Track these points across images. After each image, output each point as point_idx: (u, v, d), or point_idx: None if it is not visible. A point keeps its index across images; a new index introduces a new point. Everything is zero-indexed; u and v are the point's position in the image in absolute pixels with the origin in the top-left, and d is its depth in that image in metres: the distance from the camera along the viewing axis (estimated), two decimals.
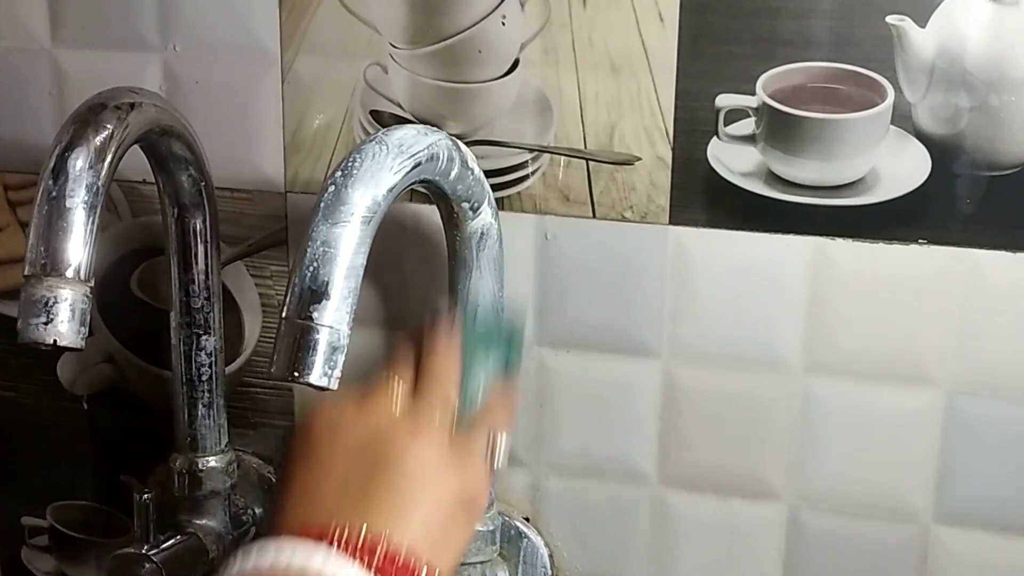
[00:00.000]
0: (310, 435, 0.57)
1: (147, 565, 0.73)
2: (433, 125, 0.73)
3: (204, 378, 0.77)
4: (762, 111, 0.69)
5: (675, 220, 0.72)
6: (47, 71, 0.81)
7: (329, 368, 0.53)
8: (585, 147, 0.73)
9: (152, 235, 0.81)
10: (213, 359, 0.77)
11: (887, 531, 0.73)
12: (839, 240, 0.70)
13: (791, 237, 0.70)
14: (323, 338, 0.52)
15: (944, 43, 0.65)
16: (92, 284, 0.57)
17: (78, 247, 0.56)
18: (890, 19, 0.66)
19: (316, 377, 0.52)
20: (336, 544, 0.50)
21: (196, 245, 0.74)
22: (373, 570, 0.50)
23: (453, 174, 0.62)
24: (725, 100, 0.69)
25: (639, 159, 0.72)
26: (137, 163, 0.71)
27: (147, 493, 0.74)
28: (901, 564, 0.73)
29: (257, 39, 0.77)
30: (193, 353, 0.76)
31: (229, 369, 0.81)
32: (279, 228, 0.80)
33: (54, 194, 0.57)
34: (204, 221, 0.74)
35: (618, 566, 0.78)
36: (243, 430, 0.83)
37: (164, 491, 0.79)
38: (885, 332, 0.70)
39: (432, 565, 0.52)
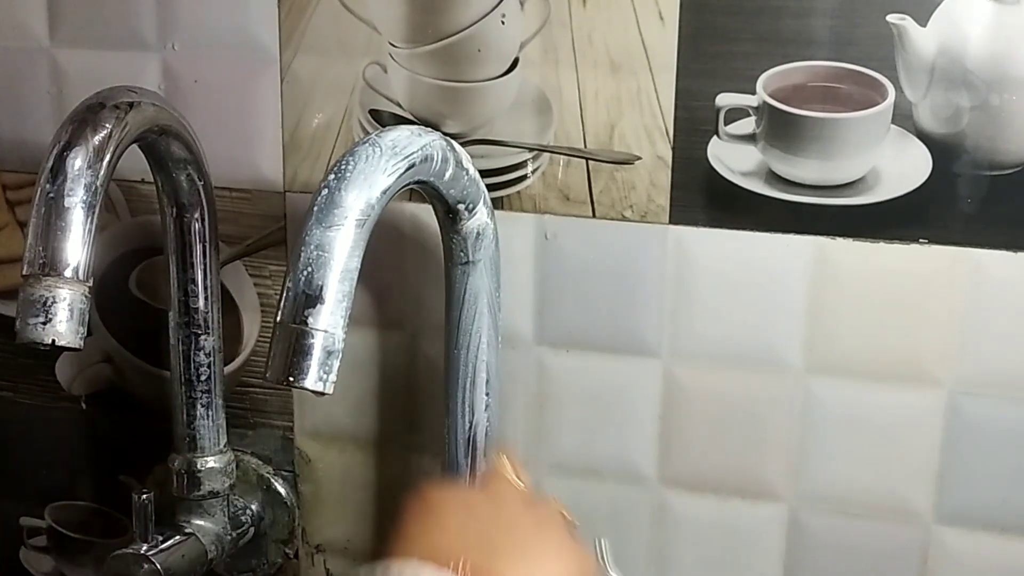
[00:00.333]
0: (435, 505, 0.59)
1: (146, 565, 0.73)
2: (432, 124, 0.73)
3: (203, 378, 0.77)
4: (762, 110, 0.69)
5: (675, 220, 0.72)
6: (46, 70, 0.81)
7: (324, 372, 0.53)
8: (585, 146, 0.72)
9: (151, 235, 0.81)
10: (212, 359, 0.77)
11: (888, 531, 0.73)
12: (840, 240, 0.69)
13: (791, 237, 0.70)
14: (318, 343, 0.52)
15: (945, 42, 0.65)
16: (91, 284, 0.57)
17: (76, 247, 0.56)
18: (891, 18, 0.65)
19: (311, 382, 0.52)
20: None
21: (195, 245, 0.74)
22: None
23: (448, 175, 0.62)
24: (725, 99, 0.69)
25: (639, 158, 0.71)
26: (136, 163, 0.71)
27: (146, 493, 0.74)
28: (902, 564, 0.73)
29: (256, 38, 0.77)
30: (192, 353, 0.76)
31: (228, 369, 0.81)
32: (278, 228, 0.79)
33: (52, 194, 0.56)
34: (203, 221, 0.74)
35: (618, 566, 0.78)
36: (242, 430, 0.83)
37: (163, 491, 0.79)
38: (886, 332, 0.70)
39: None
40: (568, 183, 0.73)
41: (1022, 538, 0.71)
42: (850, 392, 0.71)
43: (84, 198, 0.57)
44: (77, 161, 0.57)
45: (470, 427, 0.71)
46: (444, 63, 0.73)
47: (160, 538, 0.75)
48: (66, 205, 0.56)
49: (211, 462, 0.78)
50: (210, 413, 0.78)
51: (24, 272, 0.56)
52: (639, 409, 0.75)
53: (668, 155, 0.71)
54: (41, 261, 0.55)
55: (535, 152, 0.73)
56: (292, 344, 0.52)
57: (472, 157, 0.66)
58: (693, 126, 0.70)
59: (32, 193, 0.57)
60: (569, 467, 0.77)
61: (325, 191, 0.54)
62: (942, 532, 0.72)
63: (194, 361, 0.76)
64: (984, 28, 0.65)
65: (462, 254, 0.67)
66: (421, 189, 0.63)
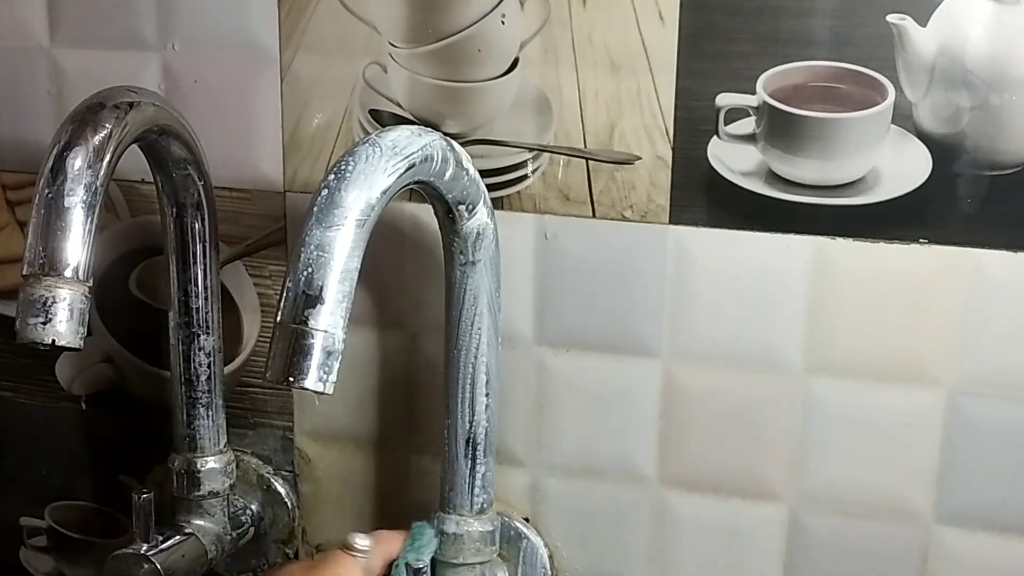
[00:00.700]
0: None
1: (145, 565, 0.73)
2: (432, 124, 0.73)
3: (203, 378, 0.77)
4: (762, 110, 0.69)
5: (675, 220, 0.72)
6: (46, 70, 0.81)
7: (324, 373, 0.53)
8: (585, 146, 0.72)
9: (151, 235, 0.81)
10: (212, 359, 0.77)
11: (888, 531, 0.73)
12: (840, 240, 0.69)
13: (791, 237, 0.70)
14: (318, 343, 0.52)
15: (945, 42, 0.65)
16: (91, 284, 0.57)
17: (76, 247, 0.56)
18: (891, 18, 0.65)
19: (312, 382, 0.52)
20: None
21: (195, 245, 0.74)
22: None
23: (448, 175, 0.62)
24: (725, 99, 0.69)
25: (639, 158, 0.71)
26: (136, 163, 0.71)
27: (145, 493, 0.74)
28: (902, 564, 0.73)
29: (256, 38, 0.76)
30: (192, 353, 0.76)
31: (228, 369, 0.81)
32: (278, 228, 0.79)
33: (52, 194, 0.56)
34: (203, 221, 0.74)
35: (618, 566, 0.78)
36: (242, 430, 0.83)
37: (163, 491, 0.79)
38: (886, 332, 0.70)
39: None
40: (568, 183, 0.73)
41: (1022, 538, 0.71)
42: (850, 392, 0.71)
43: (84, 198, 0.57)
44: (77, 161, 0.57)
45: (470, 427, 0.71)
46: (444, 63, 0.73)
47: (160, 538, 0.75)
48: (66, 205, 0.56)
49: (211, 462, 0.78)
50: (210, 413, 0.78)
51: (24, 272, 0.56)
52: (639, 409, 0.75)
53: (668, 155, 0.71)
54: (41, 261, 0.55)
55: (535, 152, 0.73)
56: (292, 344, 0.52)
57: (472, 157, 0.66)
58: (693, 126, 0.70)
59: (32, 193, 0.57)
60: (569, 467, 0.77)
61: (325, 191, 0.54)
62: (942, 532, 0.72)
63: (194, 361, 0.76)
64: (984, 28, 0.65)
65: (462, 254, 0.67)
66: (421, 189, 0.63)
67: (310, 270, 0.52)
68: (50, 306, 0.55)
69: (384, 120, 0.75)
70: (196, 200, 0.73)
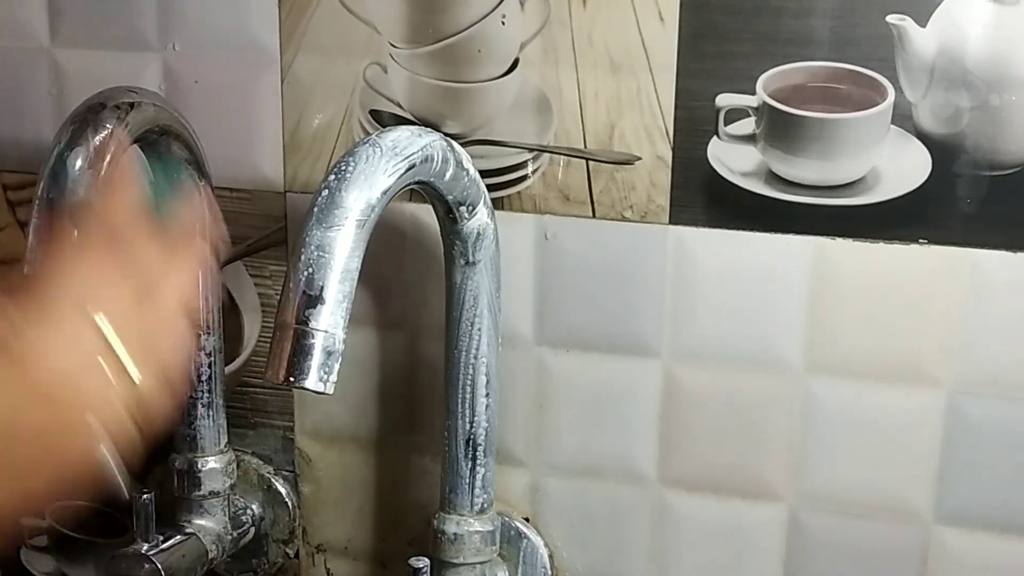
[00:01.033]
0: None
1: (146, 565, 0.73)
2: (433, 125, 0.73)
3: (203, 378, 0.77)
4: (762, 110, 0.69)
5: (675, 220, 0.72)
6: (46, 70, 0.81)
7: (325, 373, 0.53)
8: (585, 146, 0.72)
9: None
10: (212, 359, 0.77)
11: (888, 531, 0.73)
12: (839, 240, 0.69)
13: (791, 237, 0.70)
14: (318, 343, 0.52)
15: (945, 42, 0.65)
16: None
17: None
18: (890, 18, 0.65)
19: (312, 382, 0.52)
20: None
21: None
22: None
23: (448, 175, 0.62)
24: (725, 99, 0.69)
25: (639, 158, 0.71)
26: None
27: (146, 493, 0.74)
28: (902, 564, 0.73)
29: (256, 38, 0.77)
30: (192, 353, 0.76)
31: (228, 369, 0.81)
32: (278, 228, 0.79)
33: (53, 194, 0.56)
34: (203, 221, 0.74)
35: (618, 566, 0.78)
36: (242, 430, 0.83)
37: (163, 491, 0.78)
38: (886, 332, 0.70)
39: None
40: (568, 183, 0.73)
41: (1022, 538, 0.71)
42: (850, 392, 0.71)
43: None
44: (78, 161, 0.57)
45: (470, 427, 0.71)
46: (444, 63, 0.73)
47: (161, 538, 0.75)
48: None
49: (212, 462, 0.78)
50: (211, 413, 0.78)
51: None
52: (639, 409, 0.75)
53: (668, 155, 0.71)
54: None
55: (535, 152, 0.73)
56: (292, 344, 0.52)
57: (472, 157, 0.66)
58: (693, 126, 0.70)
59: (33, 193, 0.57)
60: (569, 467, 0.77)
61: (325, 191, 0.54)
62: (942, 532, 0.72)
63: (195, 361, 0.76)
64: (984, 28, 0.65)
65: (462, 254, 0.67)
66: (421, 189, 0.63)
67: (310, 270, 0.52)
68: None
69: (384, 120, 0.76)
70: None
